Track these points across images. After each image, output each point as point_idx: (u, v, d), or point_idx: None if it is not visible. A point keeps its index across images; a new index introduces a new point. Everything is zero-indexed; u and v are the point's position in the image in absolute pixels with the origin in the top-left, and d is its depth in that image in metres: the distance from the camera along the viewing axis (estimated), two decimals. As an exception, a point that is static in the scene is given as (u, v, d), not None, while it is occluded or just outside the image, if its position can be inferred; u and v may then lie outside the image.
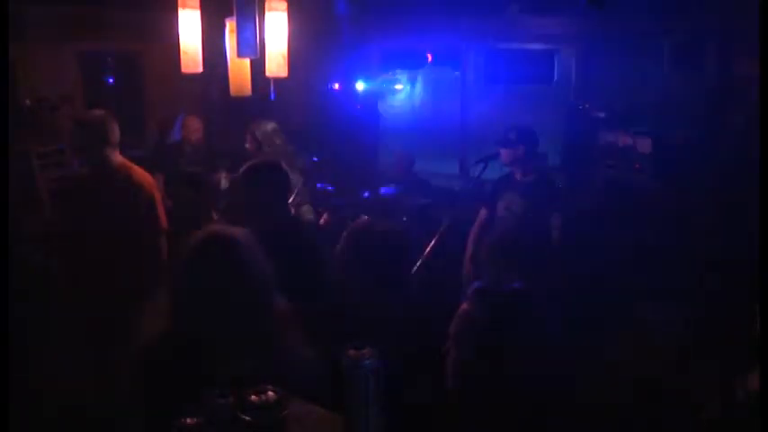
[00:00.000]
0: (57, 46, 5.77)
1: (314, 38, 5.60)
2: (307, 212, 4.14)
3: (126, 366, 1.69)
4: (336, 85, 6.81)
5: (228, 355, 1.63)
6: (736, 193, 4.28)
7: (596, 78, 6.01)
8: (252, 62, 2.81)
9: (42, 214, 4.66)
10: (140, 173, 3.32)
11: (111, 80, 6.92)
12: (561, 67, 6.52)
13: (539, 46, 6.64)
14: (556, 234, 3.48)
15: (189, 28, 2.79)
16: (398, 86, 7.04)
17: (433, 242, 3.62)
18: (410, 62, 6.71)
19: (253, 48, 2.60)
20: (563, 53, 6.50)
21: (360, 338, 1.44)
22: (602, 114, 5.48)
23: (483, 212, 3.85)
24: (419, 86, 7.04)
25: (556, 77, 6.58)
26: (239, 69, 2.84)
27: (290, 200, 3.27)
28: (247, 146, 4.34)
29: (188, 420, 1.37)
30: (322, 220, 4.18)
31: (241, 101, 2.97)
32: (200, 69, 2.84)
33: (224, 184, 4.32)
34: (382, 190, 5.36)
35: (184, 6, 2.77)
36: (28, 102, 5.29)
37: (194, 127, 5.26)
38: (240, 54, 2.61)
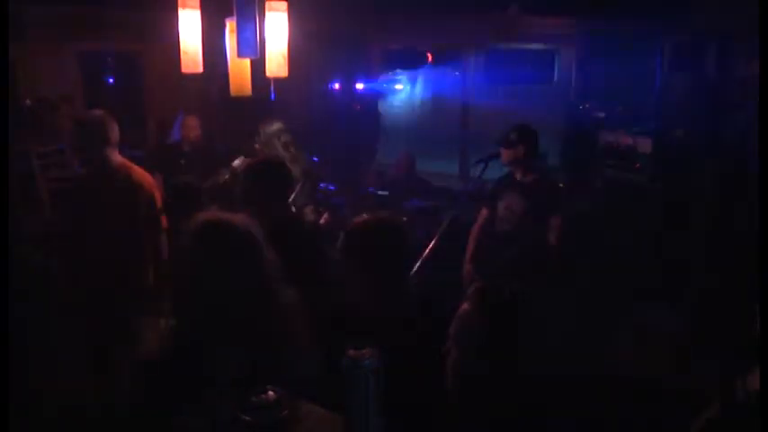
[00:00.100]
0: (57, 46, 5.78)
1: (314, 38, 5.61)
2: (309, 213, 4.15)
3: (126, 366, 1.69)
4: (336, 85, 6.82)
5: (230, 352, 1.62)
6: (735, 194, 4.28)
7: (596, 78, 6.01)
8: (252, 62, 2.82)
9: (42, 214, 4.66)
10: (140, 173, 3.32)
11: (111, 80, 6.94)
12: (561, 67, 6.53)
13: (539, 46, 6.65)
14: (556, 234, 3.48)
15: (189, 28, 2.79)
16: (398, 86, 7.05)
17: (433, 242, 3.62)
18: (410, 62, 6.71)
19: (253, 48, 2.60)
20: (563, 53, 6.50)
21: (360, 338, 1.44)
22: (602, 114, 5.48)
23: (483, 212, 3.85)
24: (419, 86, 7.04)
25: (556, 77, 6.58)
26: (239, 69, 2.85)
27: (291, 198, 3.27)
28: (256, 146, 4.36)
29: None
30: (322, 220, 4.18)
31: (241, 101, 2.97)
32: (201, 69, 2.85)
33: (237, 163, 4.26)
34: (382, 190, 5.36)
35: (184, 6, 2.77)
36: (28, 102, 5.29)
37: (193, 126, 5.27)
38: (240, 54, 2.62)
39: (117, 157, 3.29)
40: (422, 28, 6.34)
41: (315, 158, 4.90)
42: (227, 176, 4.31)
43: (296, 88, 4.99)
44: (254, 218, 1.82)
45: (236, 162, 4.23)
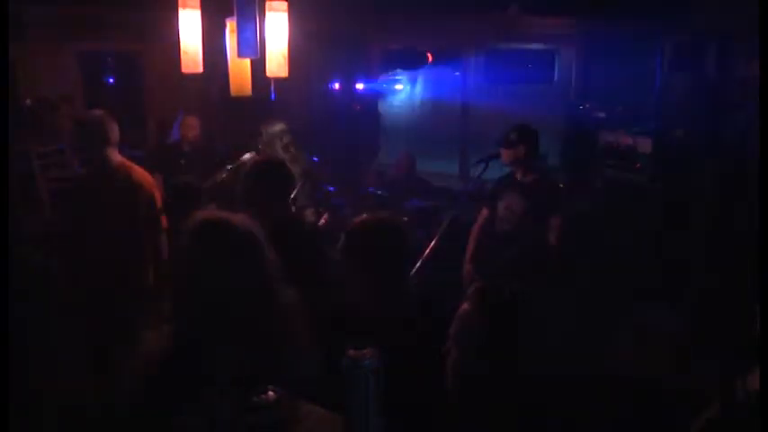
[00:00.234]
0: (57, 46, 5.78)
1: (314, 38, 5.61)
2: (309, 215, 4.16)
3: (126, 366, 1.69)
4: (336, 85, 6.82)
5: (231, 351, 1.62)
6: (735, 194, 4.28)
7: (596, 78, 6.01)
8: (252, 62, 2.82)
9: (42, 214, 4.66)
10: (140, 172, 3.32)
11: (111, 80, 6.94)
12: (561, 67, 6.53)
13: (539, 46, 6.65)
14: (556, 234, 3.48)
15: (189, 28, 2.79)
16: (398, 86, 7.05)
17: (433, 242, 3.62)
18: (410, 62, 6.71)
19: (253, 48, 2.60)
20: (563, 53, 6.50)
21: (360, 338, 1.44)
22: (602, 114, 5.48)
23: (483, 212, 3.85)
24: (419, 86, 7.04)
25: (556, 77, 6.59)
26: (239, 69, 2.85)
27: (291, 198, 3.27)
28: (260, 146, 4.37)
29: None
30: (322, 220, 4.19)
31: (241, 101, 2.97)
32: (201, 69, 2.85)
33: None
34: (383, 190, 5.36)
35: (185, 6, 2.77)
36: (28, 102, 5.29)
37: (192, 126, 5.28)
38: (240, 54, 2.62)
39: (117, 157, 3.29)
40: (422, 28, 6.34)
41: (315, 158, 4.90)
42: (224, 175, 4.31)
43: (296, 88, 5.00)
44: (255, 218, 1.81)
45: (246, 156, 4.25)
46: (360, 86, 6.77)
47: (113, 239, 3.16)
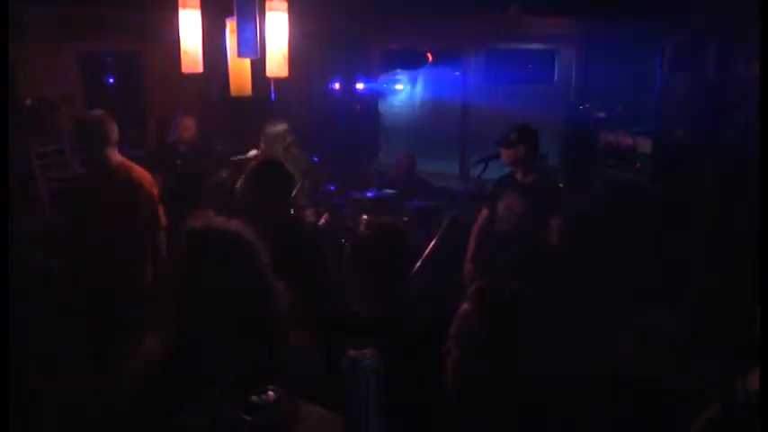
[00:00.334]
0: (57, 46, 5.78)
1: (314, 38, 5.61)
2: (309, 215, 4.16)
3: (126, 366, 1.69)
4: (336, 85, 6.82)
5: (229, 354, 1.62)
6: (735, 194, 4.28)
7: (596, 78, 6.01)
8: (252, 62, 2.82)
9: (42, 214, 4.65)
10: (140, 171, 3.32)
11: (111, 80, 6.93)
12: (561, 67, 6.53)
13: (539, 46, 6.65)
14: (556, 234, 3.48)
15: (189, 28, 2.79)
16: (398, 86, 7.05)
17: (433, 242, 3.62)
18: (410, 62, 6.71)
19: (253, 48, 2.60)
20: (563, 53, 6.51)
21: (360, 338, 1.44)
22: (602, 114, 5.48)
23: (483, 212, 3.85)
24: (419, 86, 7.04)
25: (556, 77, 6.59)
26: (239, 69, 2.85)
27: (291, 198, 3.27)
28: (261, 146, 4.38)
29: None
30: (322, 220, 4.19)
31: (241, 101, 2.97)
32: (201, 69, 2.85)
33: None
34: (383, 190, 5.36)
35: (185, 6, 2.78)
36: (28, 102, 5.29)
37: (188, 126, 5.30)
38: (240, 54, 2.62)
39: (117, 157, 3.29)
40: (422, 28, 6.34)
41: (315, 158, 4.90)
42: (224, 175, 4.32)
43: (296, 88, 4.99)
44: (255, 218, 1.81)
45: (252, 153, 4.26)
46: (360, 86, 6.77)
47: (113, 239, 3.16)
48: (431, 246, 3.60)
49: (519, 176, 3.65)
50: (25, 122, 5.13)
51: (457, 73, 6.83)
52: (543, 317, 2.93)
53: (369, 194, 5.11)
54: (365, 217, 4.56)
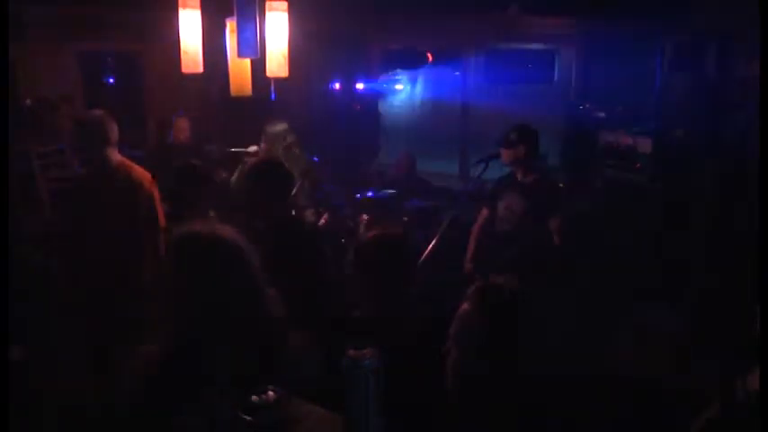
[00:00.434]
0: (57, 46, 5.78)
1: (314, 38, 5.61)
2: (309, 215, 4.16)
3: (126, 366, 1.69)
4: (337, 85, 6.82)
5: (227, 354, 1.62)
6: (735, 194, 4.28)
7: (596, 78, 6.01)
8: (252, 62, 2.82)
9: (42, 214, 4.66)
10: (140, 171, 3.32)
11: (111, 80, 6.94)
12: (561, 67, 6.53)
13: (539, 46, 6.65)
14: (556, 234, 3.48)
15: (189, 28, 2.79)
16: (398, 86, 7.05)
17: (433, 242, 3.62)
18: (410, 62, 6.71)
19: (253, 48, 2.60)
20: (563, 53, 6.50)
21: (360, 338, 1.44)
22: (602, 114, 5.48)
23: (483, 212, 3.85)
24: (419, 86, 7.04)
25: (556, 77, 6.59)
26: (239, 69, 2.85)
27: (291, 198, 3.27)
28: (262, 145, 4.38)
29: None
30: (322, 220, 4.19)
31: (241, 101, 2.98)
32: (201, 69, 2.85)
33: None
34: (383, 190, 5.36)
35: (185, 6, 2.78)
36: (28, 102, 5.29)
37: (183, 128, 5.32)
38: (240, 54, 2.62)
39: (117, 157, 3.29)
40: (422, 28, 6.34)
41: (315, 158, 4.90)
42: (224, 174, 4.32)
43: (296, 88, 4.99)
44: (255, 218, 1.82)
45: (252, 148, 4.26)
46: (360, 86, 6.77)
47: (113, 239, 3.16)
48: (431, 246, 3.60)
49: (519, 176, 3.65)
50: (25, 122, 5.14)
51: (457, 73, 6.83)
52: (543, 317, 2.93)
53: (369, 194, 5.10)
54: (365, 217, 4.56)
